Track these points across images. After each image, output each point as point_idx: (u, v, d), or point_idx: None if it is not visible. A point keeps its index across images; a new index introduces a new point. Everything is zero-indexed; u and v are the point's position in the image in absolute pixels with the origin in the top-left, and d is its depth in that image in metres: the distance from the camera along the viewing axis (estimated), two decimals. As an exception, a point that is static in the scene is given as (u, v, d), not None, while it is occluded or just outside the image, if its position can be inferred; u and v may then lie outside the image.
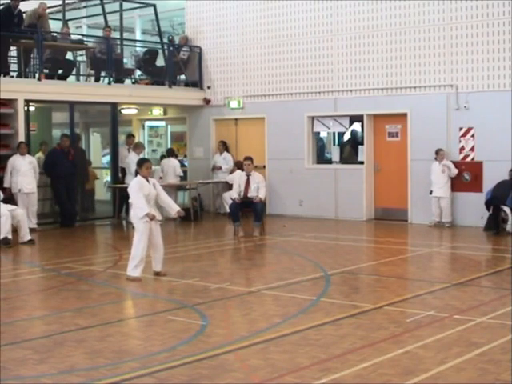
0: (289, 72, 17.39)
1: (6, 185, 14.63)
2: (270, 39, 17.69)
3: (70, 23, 19.01)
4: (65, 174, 15.69)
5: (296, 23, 17.23)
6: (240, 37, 18.23)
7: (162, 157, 18.76)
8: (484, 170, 14.85)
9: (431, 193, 15.16)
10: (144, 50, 19.11)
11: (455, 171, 14.97)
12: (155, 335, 7.03)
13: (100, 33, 18.76)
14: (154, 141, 21.87)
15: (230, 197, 15.19)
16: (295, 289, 9.14)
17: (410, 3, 15.59)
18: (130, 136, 18.21)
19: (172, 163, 17.50)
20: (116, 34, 19.04)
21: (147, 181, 9.88)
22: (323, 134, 18.13)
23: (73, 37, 17.96)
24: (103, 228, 16.58)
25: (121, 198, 16.79)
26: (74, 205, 16.43)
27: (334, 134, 17.97)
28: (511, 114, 14.36)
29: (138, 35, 22.29)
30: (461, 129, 15.09)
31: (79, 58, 18.95)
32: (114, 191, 17.25)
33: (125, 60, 18.81)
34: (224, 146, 18.34)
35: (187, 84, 18.98)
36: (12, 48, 16.14)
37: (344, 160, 17.18)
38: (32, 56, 16.03)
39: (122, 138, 19.07)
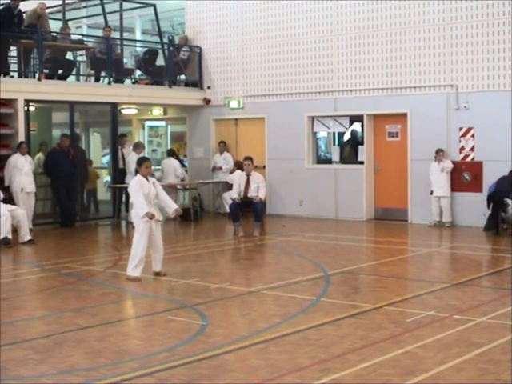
0: (289, 72, 17.39)
1: (6, 183, 14.61)
2: (269, 39, 17.69)
3: (70, 23, 19.00)
4: (65, 174, 15.68)
5: (296, 23, 17.23)
6: (240, 37, 18.23)
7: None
8: (484, 169, 14.85)
9: (432, 193, 15.16)
10: (144, 49, 19.11)
11: (450, 165, 14.93)
12: (155, 335, 7.03)
13: (100, 33, 18.77)
14: (154, 141, 21.87)
15: (230, 197, 15.19)
16: (295, 289, 9.14)
17: (409, 3, 15.59)
18: (122, 136, 18.05)
19: (172, 163, 17.50)
20: (116, 34, 19.04)
21: (147, 180, 9.89)
22: (320, 135, 18.09)
23: (73, 37, 17.97)
24: (103, 228, 16.58)
25: (120, 198, 16.80)
26: (74, 205, 16.43)
27: (334, 133, 17.96)
28: (511, 114, 14.36)
29: (138, 35, 22.30)
30: (461, 129, 15.09)
31: (79, 58, 18.94)
32: (113, 191, 17.26)
33: (125, 60, 18.81)
34: (224, 146, 18.35)
35: (187, 84, 18.98)
36: (12, 48, 16.13)
37: (344, 160, 17.18)
38: (32, 56, 16.02)
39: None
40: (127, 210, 16.14)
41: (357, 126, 17.21)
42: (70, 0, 20.26)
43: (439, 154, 15.02)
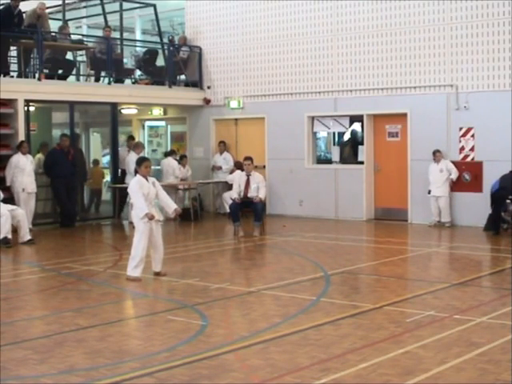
0: (289, 72, 17.39)
1: (8, 183, 14.60)
2: (269, 39, 17.69)
3: (70, 23, 19.00)
4: (65, 173, 15.68)
5: (296, 23, 17.24)
6: (240, 37, 18.23)
7: (182, 157, 18.39)
8: (484, 170, 14.85)
9: (429, 192, 15.17)
10: (144, 50, 19.11)
11: (456, 174, 14.96)
12: (155, 335, 7.03)
13: (100, 33, 18.77)
14: (154, 141, 21.86)
15: (230, 197, 15.19)
16: (295, 289, 9.14)
17: (409, 3, 15.59)
18: (131, 138, 18.25)
19: (172, 163, 17.51)
20: (116, 34, 19.04)
21: (146, 180, 9.89)
22: (320, 135, 18.10)
23: (73, 37, 17.97)
24: (103, 228, 16.59)
25: (121, 198, 16.80)
26: (75, 205, 16.43)
27: (333, 133, 17.97)
28: (511, 114, 14.36)
29: (138, 35, 22.30)
30: (461, 129, 15.09)
31: (79, 58, 18.95)
32: (114, 191, 17.27)
33: (125, 60, 18.82)
34: (224, 146, 18.35)
35: (187, 84, 18.98)
36: (12, 48, 16.13)
37: (344, 160, 17.18)
38: (32, 56, 16.02)
39: (122, 138, 19.07)
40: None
41: (357, 126, 17.22)
42: (69, 0, 20.27)
43: (436, 154, 15.03)
